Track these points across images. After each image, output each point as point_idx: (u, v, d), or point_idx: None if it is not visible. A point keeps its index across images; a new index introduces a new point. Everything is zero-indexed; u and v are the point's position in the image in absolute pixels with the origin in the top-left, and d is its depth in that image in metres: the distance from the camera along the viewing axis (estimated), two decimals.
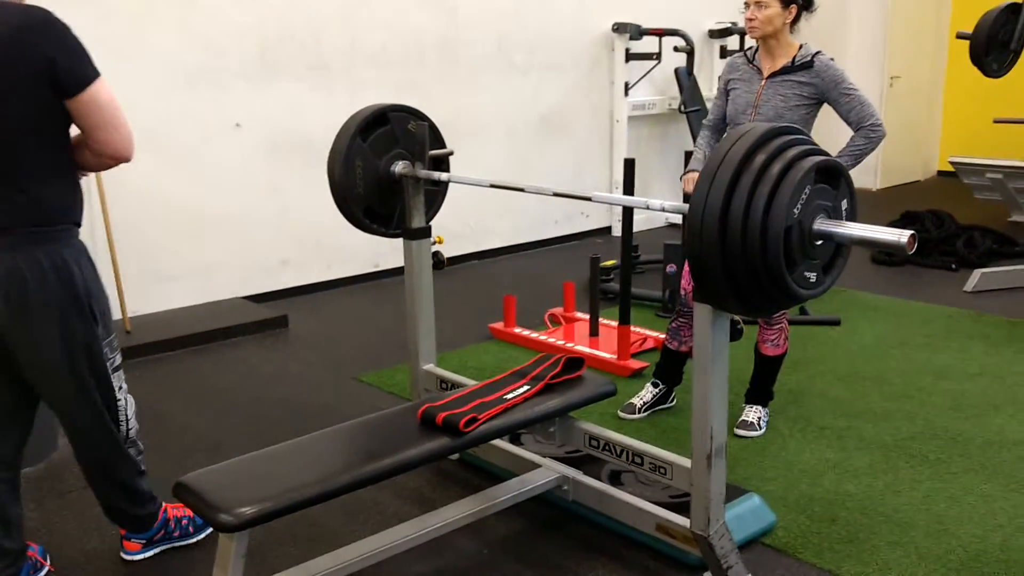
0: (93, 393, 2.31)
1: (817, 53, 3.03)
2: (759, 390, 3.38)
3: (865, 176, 8.81)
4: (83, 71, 2.11)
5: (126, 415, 2.44)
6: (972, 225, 6.13)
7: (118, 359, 2.40)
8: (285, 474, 2.10)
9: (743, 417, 3.33)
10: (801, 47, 3.06)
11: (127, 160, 2.23)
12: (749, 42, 6.86)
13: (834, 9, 8.52)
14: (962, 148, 8.32)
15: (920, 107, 9.05)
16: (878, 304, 4.95)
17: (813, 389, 3.73)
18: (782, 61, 3.05)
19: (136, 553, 2.59)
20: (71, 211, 2.23)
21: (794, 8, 3.01)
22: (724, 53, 7.21)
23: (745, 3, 3.04)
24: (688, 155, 5.67)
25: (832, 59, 3.06)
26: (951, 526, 2.67)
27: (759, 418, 3.33)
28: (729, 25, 7.14)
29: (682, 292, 3.31)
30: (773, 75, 3.06)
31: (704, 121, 3.36)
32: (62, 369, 2.24)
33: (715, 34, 7.19)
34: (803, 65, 3.02)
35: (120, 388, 2.40)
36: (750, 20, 3.02)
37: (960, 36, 5.02)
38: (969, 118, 8.92)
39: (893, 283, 5.41)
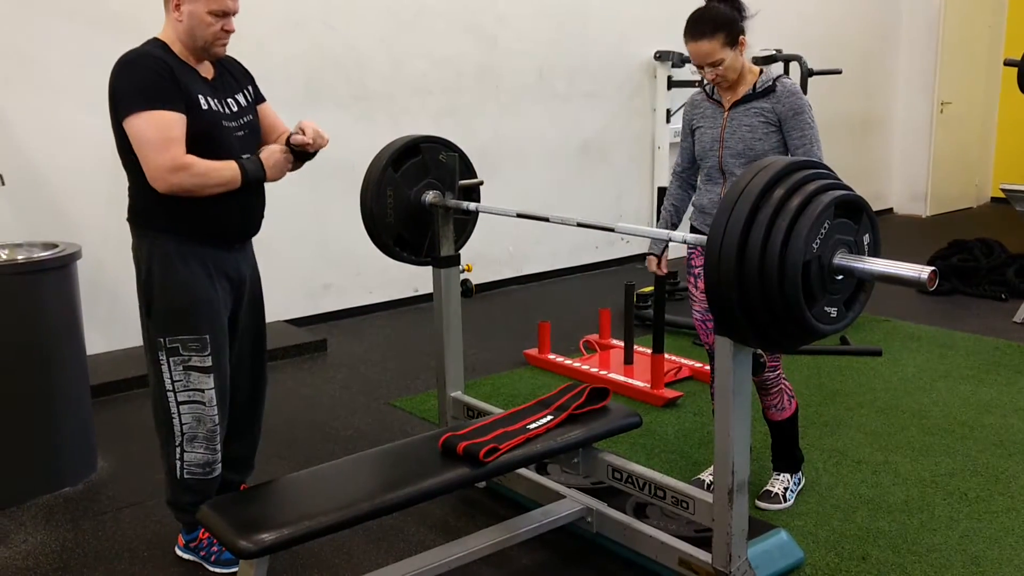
0: (151, 373, 2.58)
1: (779, 77, 2.79)
2: (783, 455, 3.04)
3: (915, 203, 8.67)
4: (123, 106, 2.38)
5: (177, 411, 2.54)
6: None
7: (194, 360, 2.52)
8: (304, 501, 2.13)
9: (767, 487, 3.01)
10: (762, 72, 2.80)
11: (159, 190, 2.39)
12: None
13: (883, 34, 8.44)
14: (1017, 175, 8.14)
15: (973, 133, 8.89)
16: (922, 334, 4.84)
17: (850, 421, 3.66)
18: (743, 90, 2.79)
19: (179, 548, 2.72)
20: (159, 217, 2.48)
21: (743, 40, 2.73)
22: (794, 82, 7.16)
23: (697, 67, 2.76)
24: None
25: (796, 85, 2.81)
26: (989, 568, 2.59)
27: (786, 488, 3.00)
28: (773, 52, 7.09)
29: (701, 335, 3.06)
30: (735, 105, 2.81)
31: (674, 168, 3.10)
32: (142, 337, 2.60)
33: (758, 61, 7.12)
34: (765, 91, 2.77)
35: (178, 382, 2.52)
36: (714, 80, 2.76)
37: (1008, 63, 4.93)
38: None
39: (939, 313, 5.29)
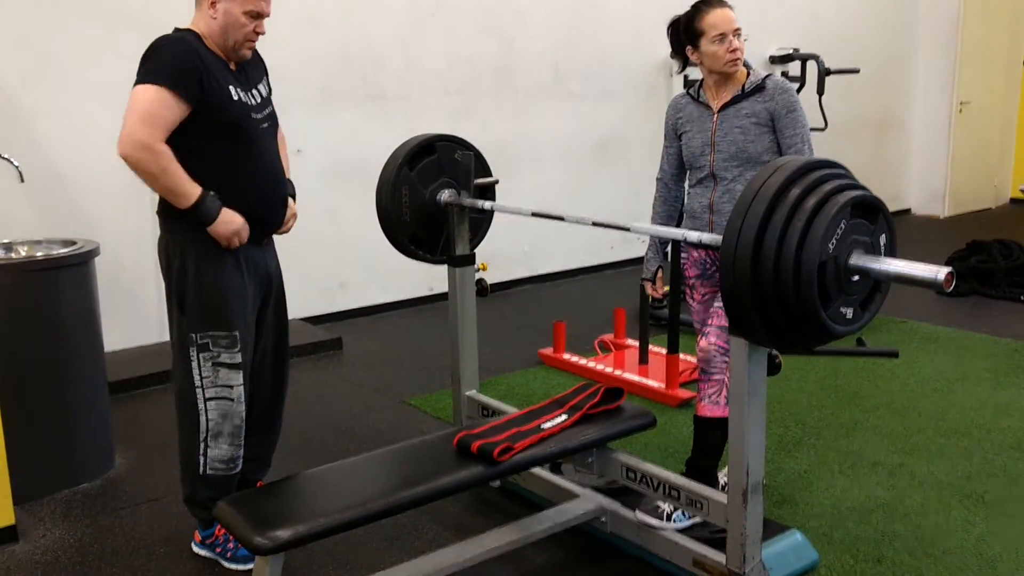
0: (179, 368, 2.58)
1: (768, 75, 2.69)
2: (698, 473, 2.68)
3: (933, 203, 8.61)
4: (140, 75, 2.37)
5: (204, 407, 2.56)
6: None
7: (223, 356, 2.54)
8: (320, 499, 2.14)
9: (658, 502, 2.58)
10: (750, 73, 2.69)
11: (118, 151, 2.34)
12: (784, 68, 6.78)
13: (901, 33, 8.39)
14: None
15: (992, 133, 8.82)
16: (940, 336, 4.81)
17: (866, 423, 3.64)
18: (732, 91, 2.69)
19: (196, 544, 2.74)
20: (184, 212, 2.43)
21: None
22: (786, 79, 7.14)
23: (720, 36, 2.61)
24: None
25: (787, 82, 2.70)
26: (1005, 572, 2.57)
27: (676, 508, 2.56)
28: (791, 51, 7.07)
29: (703, 343, 2.69)
30: (724, 107, 2.69)
31: (659, 175, 2.95)
32: (170, 332, 2.60)
33: (776, 60, 7.12)
34: (755, 90, 2.66)
35: (207, 378, 2.54)
36: (734, 55, 2.62)
37: None
38: None
39: (957, 314, 5.26)
